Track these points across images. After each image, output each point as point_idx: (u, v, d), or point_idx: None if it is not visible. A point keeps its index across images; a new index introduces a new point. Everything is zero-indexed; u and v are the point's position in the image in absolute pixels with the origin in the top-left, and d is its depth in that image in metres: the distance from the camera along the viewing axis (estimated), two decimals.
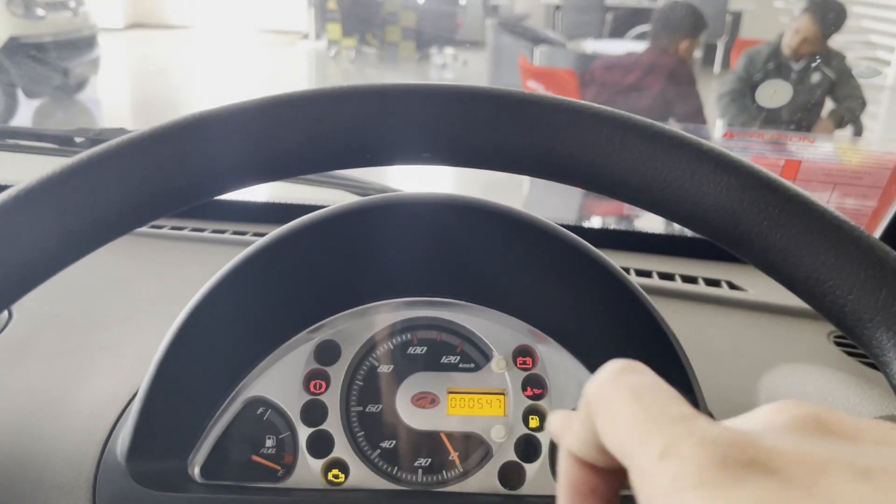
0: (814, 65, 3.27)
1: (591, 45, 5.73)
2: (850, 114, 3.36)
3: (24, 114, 5.98)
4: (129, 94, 7.76)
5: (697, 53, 7.19)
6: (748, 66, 3.34)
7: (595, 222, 2.28)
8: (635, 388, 0.23)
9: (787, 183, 0.34)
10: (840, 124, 3.37)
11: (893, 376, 0.32)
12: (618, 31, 7.86)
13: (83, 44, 6.13)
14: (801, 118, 3.38)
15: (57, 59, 5.85)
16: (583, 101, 0.36)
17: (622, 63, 3.38)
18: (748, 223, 0.34)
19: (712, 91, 3.85)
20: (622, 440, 0.22)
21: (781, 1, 8.87)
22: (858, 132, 3.42)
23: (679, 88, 3.25)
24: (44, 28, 5.77)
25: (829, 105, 3.40)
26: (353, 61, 9.20)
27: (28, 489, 0.54)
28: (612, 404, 0.23)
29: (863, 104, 3.31)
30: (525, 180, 2.74)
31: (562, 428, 0.29)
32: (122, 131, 0.85)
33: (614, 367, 0.25)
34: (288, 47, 10.35)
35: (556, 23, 9.14)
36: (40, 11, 5.75)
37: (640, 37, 5.10)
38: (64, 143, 0.84)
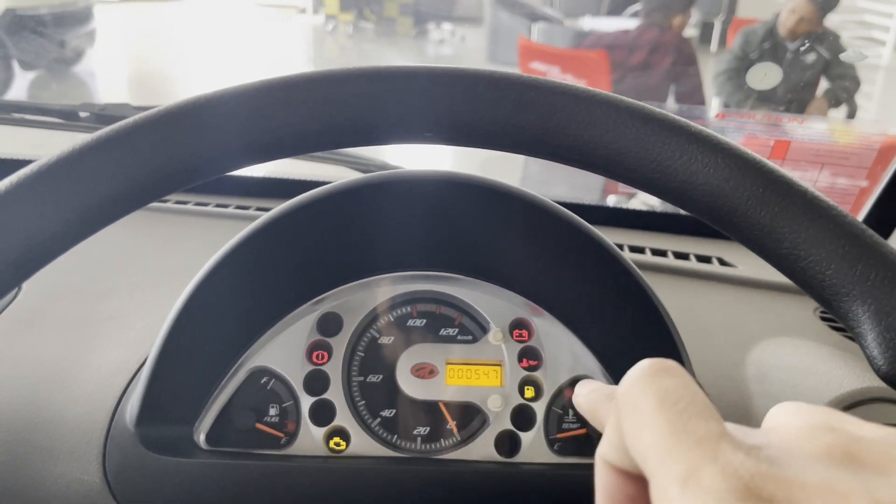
0: (803, 47, 3.27)
1: (590, 23, 5.72)
2: (844, 93, 3.37)
3: (20, 86, 5.95)
4: (125, 66, 7.72)
5: (694, 31, 7.18)
6: (744, 46, 3.35)
7: (592, 200, 2.29)
8: (663, 395, 0.23)
9: (771, 164, 0.36)
10: (835, 103, 3.38)
11: (867, 347, 0.34)
12: (616, 9, 7.83)
13: (79, 16, 6.10)
14: (796, 97, 3.39)
15: (53, 31, 5.82)
16: (578, 85, 0.38)
17: (622, 41, 3.37)
18: (734, 201, 0.36)
19: (709, 69, 3.86)
20: (645, 453, 0.22)
21: None
22: (853, 111, 3.44)
23: (680, 67, 3.25)
24: (40, 0, 5.73)
25: (824, 84, 3.41)
26: (351, 36, 9.15)
27: (40, 454, 0.56)
28: (638, 411, 0.23)
29: (857, 83, 3.32)
30: (522, 157, 2.74)
31: (589, 407, 0.30)
32: (125, 106, 0.86)
33: (644, 369, 0.24)
34: (285, 21, 10.29)
35: None
36: None
37: (637, 14, 5.09)
38: (69, 117, 0.85)
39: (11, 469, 0.55)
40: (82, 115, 0.85)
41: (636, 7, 5.73)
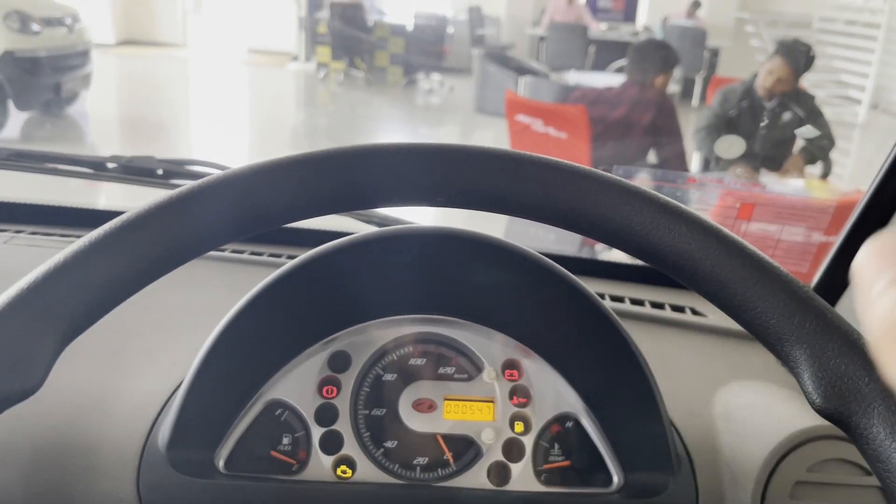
0: (774, 105, 3.37)
1: (574, 77, 5.87)
2: (819, 151, 3.48)
3: (14, 125, 6.00)
4: (119, 109, 7.79)
5: (676, 87, 7.37)
6: (723, 103, 3.46)
7: (576, 253, 2.38)
8: None
9: (726, 230, 0.44)
10: (811, 160, 3.49)
11: (804, 384, 0.41)
12: (600, 64, 8.03)
13: (76, 59, 6.17)
14: (773, 154, 3.50)
15: (50, 73, 5.88)
16: (567, 161, 0.45)
17: (605, 97, 3.47)
18: (695, 261, 0.43)
19: (691, 124, 3.97)
20: None
21: (757, 40, 9.10)
22: (828, 168, 3.54)
23: (661, 124, 3.35)
24: (39, 43, 5.79)
25: (800, 142, 3.52)
26: (342, 84, 9.28)
27: (81, 474, 0.62)
28: None
29: (831, 142, 3.44)
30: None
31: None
32: (150, 159, 0.93)
33: None
34: (277, 68, 10.42)
35: (540, 54, 9.31)
36: (36, 27, 5.79)
37: (621, 70, 5.25)
38: (98, 167, 0.92)
39: (56, 487, 0.61)
40: (110, 165, 0.92)
41: (619, 63, 5.89)
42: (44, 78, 5.85)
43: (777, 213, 0.89)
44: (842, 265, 0.81)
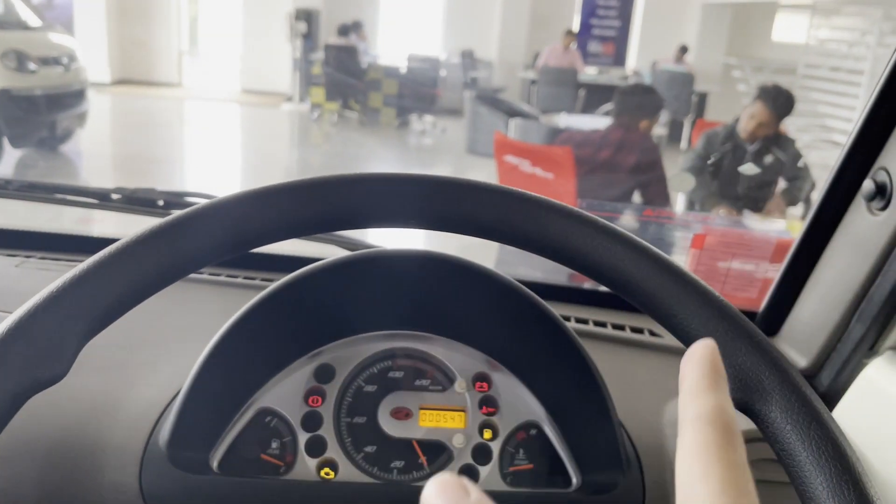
0: (755, 148, 3.45)
1: (564, 120, 5.98)
2: (800, 193, 3.56)
3: (7, 162, 6.05)
4: (111, 147, 7.86)
5: (663, 131, 7.50)
6: (707, 146, 3.55)
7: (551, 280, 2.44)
8: None
9: (654, 249, 0.51)
10: (792, 202, 3.57)
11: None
12: (589, 107, 8.18)
13: (72, 98, 6.23)
14: (756, 195, 3.59)
15: (46, 111, 5.94)
16: (519, 189, 0.53)
17: (591, 139, 3.57)
18: (627, 275, 0.50)
19: (678, 166, 4.07)
20: None
21: (744, 85, 9.28)
22: (808, 210, 3.61)
23: (645, 166, 3.44)
24: (35, 82, 5.85)
25: (782, 184, 3.61)
26: (335, 124, 9.39)
27: (90, 468, 0.68)
28: None
29: (811, 185, 3.52)
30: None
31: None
32: (152, 191, 1.01)
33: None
34: (271, 108, 10.53)
35: (531, 97, 9.46)
36: (32, 66, 5.86)
37: (609, 113, 5.36)
38: (103, 198, 0.99)
39: (68, 480, 0.67)
40: (115, 196, 0.99)
41: (608, 106, 6.01)
42: (39, 116, 5.91)
43: (727, 247, 0.97)
44: (785, 294, 0.89)
